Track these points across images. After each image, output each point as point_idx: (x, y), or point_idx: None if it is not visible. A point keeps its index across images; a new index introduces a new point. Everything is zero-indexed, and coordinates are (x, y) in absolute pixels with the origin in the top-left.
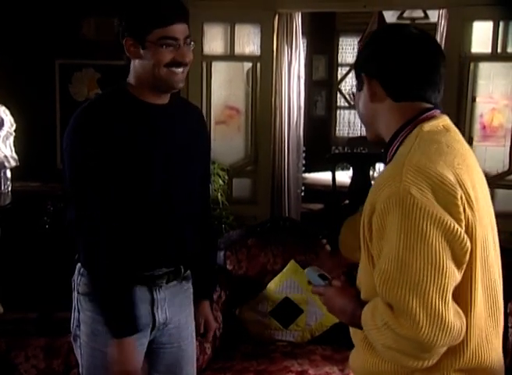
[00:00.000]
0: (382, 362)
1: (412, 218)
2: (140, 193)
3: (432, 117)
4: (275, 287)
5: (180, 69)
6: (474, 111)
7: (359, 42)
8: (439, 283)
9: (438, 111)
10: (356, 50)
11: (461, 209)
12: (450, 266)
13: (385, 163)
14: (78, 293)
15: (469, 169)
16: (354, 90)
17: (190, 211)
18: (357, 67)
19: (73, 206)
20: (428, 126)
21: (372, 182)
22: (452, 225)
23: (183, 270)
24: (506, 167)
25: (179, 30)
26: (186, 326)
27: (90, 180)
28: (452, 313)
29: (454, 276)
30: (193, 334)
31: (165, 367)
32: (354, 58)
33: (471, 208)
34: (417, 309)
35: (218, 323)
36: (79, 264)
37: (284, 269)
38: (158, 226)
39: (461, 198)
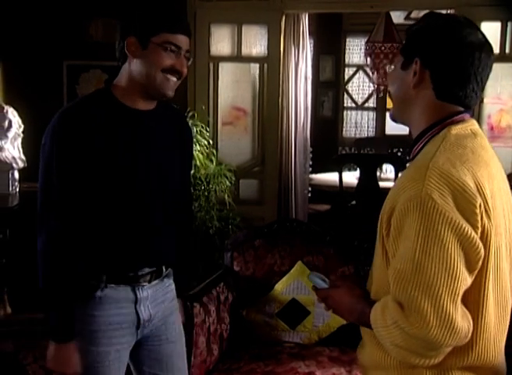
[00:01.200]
0: (387, 357)
1: (431, 222)
2: (119, 197)
3: (461, 120)
4: (283, 288)
5: (175, 78)
6: (481, 112)
7: (367, 42)
8: (451, 287)
9: (468, 115)
10: (363, 51)
11: (479, 218)
12: (463, 271)
13: (408, 160)
14: None
15: (490, 176)
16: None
17: (172, 213)
18: (412, 48)
19: (39, 202)
20: (455, 129)
21: (380, 183)
22: (469, 232)
23: (164, 270)
24: None
25: (184, 41)
26: (171, 319)
27: (57, 177)
28: (460, 316)
29: (466, 281)
30: (181, 328)
31: (155, 361)
32: (361, 58)
33: (488, 216)
34: (429, 310)
35: (225, 324)
36: None
37: (291, 271)
38: (140, 229)
39: (480, 206)
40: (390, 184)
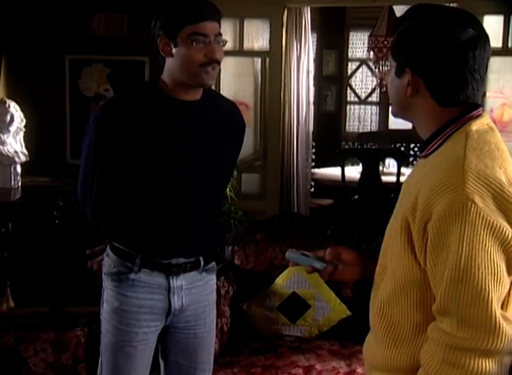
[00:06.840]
0: (396, 359)
1: (475, 227)
2: (154, 185)
3: (479, 115)
4: (283, 282)
5: (211, 67)
6: (484, 106)
7: (370, 37)
8: (498, 294)
9: (481, 109)
10: (366, 45)
11: None
12: (505, 275)
13: (419, 156)
14: (104, 273)
15: None
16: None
17: (209, 207)
18: (402, 57)
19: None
20: (475, 124)
21: (382, 178)
22: (509, 235)
23: (202, 262)
24: None
25: (209, 27)
26: (203, 316)
27: (93, 159)
28: (506, 320)
29: (507, 285)
30: (213, 325)
31: (180, 352)
32: (365, 52)
33: None
34: (480, 319)
35: (225, 318)
36: (107, 247)
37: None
38: (171, 219)
39: None
40: (393, 179)
